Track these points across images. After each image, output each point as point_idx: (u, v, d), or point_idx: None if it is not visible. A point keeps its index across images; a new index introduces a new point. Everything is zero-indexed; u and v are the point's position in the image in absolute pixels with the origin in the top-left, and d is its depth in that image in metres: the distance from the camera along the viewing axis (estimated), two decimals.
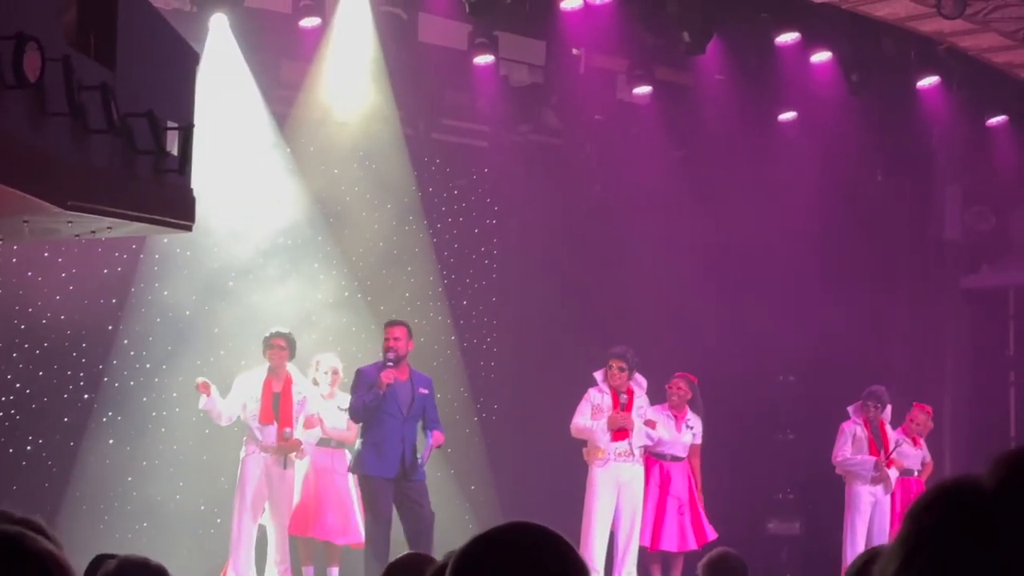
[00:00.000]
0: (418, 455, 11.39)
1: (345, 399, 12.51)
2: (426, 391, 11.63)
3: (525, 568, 2.20)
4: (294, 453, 12.02)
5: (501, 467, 11.99)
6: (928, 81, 14.99)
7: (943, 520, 1.09)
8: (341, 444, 12.58)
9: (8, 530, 2.30)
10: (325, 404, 12.48)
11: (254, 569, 12.01)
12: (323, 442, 12.47)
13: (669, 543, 13.03)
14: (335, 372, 12.63)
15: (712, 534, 13.10)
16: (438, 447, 11.57)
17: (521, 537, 2.26)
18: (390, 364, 11.45)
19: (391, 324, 11.80)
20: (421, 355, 14.53)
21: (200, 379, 11.90)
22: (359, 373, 11.59)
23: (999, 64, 14.89)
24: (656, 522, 13.05)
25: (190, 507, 13.16)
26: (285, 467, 11.97)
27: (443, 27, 14.24)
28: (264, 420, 12.00)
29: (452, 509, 13.22)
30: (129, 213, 7.63)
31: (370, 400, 11.32)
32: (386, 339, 11.61)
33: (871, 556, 3.17)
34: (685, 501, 13.16)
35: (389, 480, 11.31)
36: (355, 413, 11.58)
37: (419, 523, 11.24)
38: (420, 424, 11.62)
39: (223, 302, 13.37)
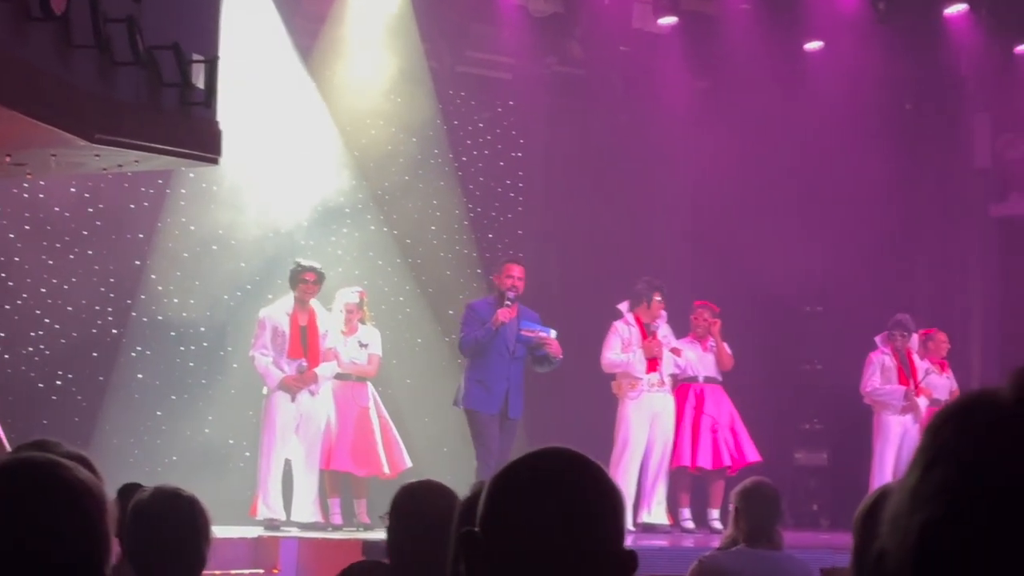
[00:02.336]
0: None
1: (368, 333, 12.52)
2: (546, 332, 11.62)
3: (561, 491, 2.20)
4: (312, 386, 12.03)
5: (527, 400, 12.02)
6: (956, 8, 14.87)
7: (961, 432, 1.08)
8: (362, 378, 12.60)
9: (42, 458, 2.32)
10: (344, 340, 12.48)
11: (282, 501, 12.07)
12: (344, 376, 12.47)
13: (704, 460, 13.08)
14: (352, 309, 12.58)
15: (754, 455, 13.14)
16: (546, 343, 11.53)
17: (556, 462, 2.26)
18: (509, 303, 11.45)
19: (512, 262, 11.77)
20: (447, 288, 14.57)
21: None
22: (471, 308, 11.62)
23: None
24: (693, 441, 13.10)
25: (219, 441, 13.23)
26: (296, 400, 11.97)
27: None
28: (293, 354, 12.02)
29: None
30: (155, 146, 7.64)
31: (483, 336, 11.36)
32: (507, 276, 11.57)
33: (882, 493, 3.17)
34: (724, 422, 13.20)
35: (493, 416, 11.43)
36: (465, 347, 11.57)
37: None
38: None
39: (248, 237, 13.38)
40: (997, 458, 1.06)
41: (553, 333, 11.71)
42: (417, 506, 4.41)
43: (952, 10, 14.87)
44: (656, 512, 12.95)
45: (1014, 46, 15.41)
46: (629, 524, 12.43)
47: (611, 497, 2.24)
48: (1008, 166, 16.27)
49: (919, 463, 1.10)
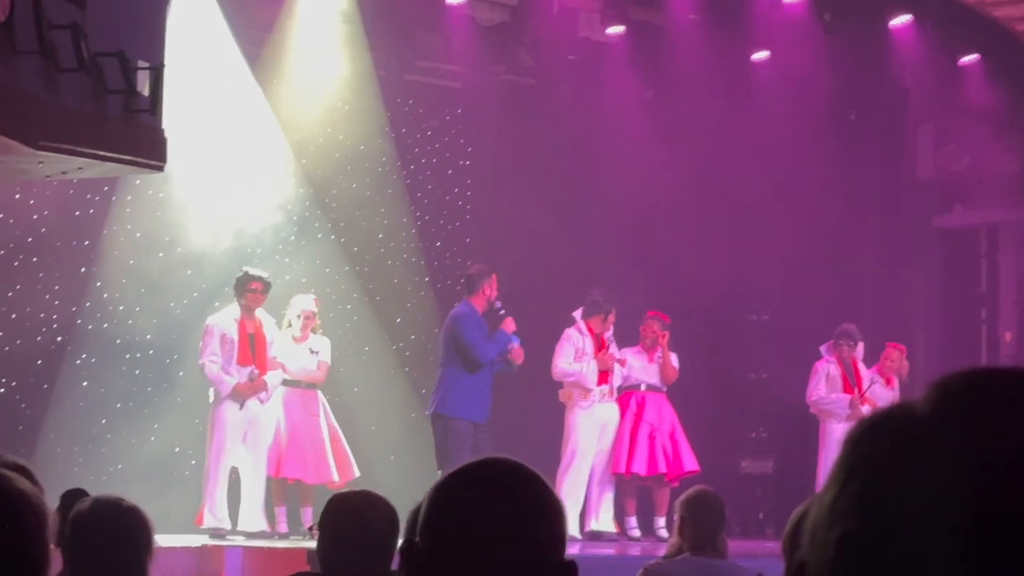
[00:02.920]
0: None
1: (318, 340, 12.50)
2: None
3: (500, 502, 2.21)
4: (262, 394, 12.01)
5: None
6: (901, 20, 14.97)
7: (877, 445, 1.10)
8: (312, 385, 12.58)
9: None
10: (295, 347, 12.44)
11: (227, 510, 12.03)
12: (294, 383, 12.45)
13: (639, 466, 13.09)
14: (309, 316, 12.57)
15: (692, 465, 13.17)
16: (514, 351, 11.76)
17: (496, 471, 2.27)
18: (504, 313, 11.75)
19: (493, 272, 11.99)
20: (395, 295, 14.56)
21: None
22: (471, 320, 11.68)
23: (971, 2, 14.88)
24: (630, 448, 13.13)
25: (165, 449, 13.16)
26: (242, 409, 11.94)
27: None
28: (243, 361, 11.99)
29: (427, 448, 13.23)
30: (100, 153, 7.60)
31: (502, 345, 11.60)
32: (494, 287, 11.81)
33: (807, 510, 3.19)
34: (664, 430, 13.23)
35: (472, 424, 11.60)
36: (486, 360, 11.64)
37: None
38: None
39: (195, 244, 13.32)
40: (912, 471, 1.07)
41: (519, 342, 11.86)
42: (346, 517, 4.37)
43: (897, 22, 14.97)
44: (603, 520, 12.98)
45: (958, 58, 15.53)
46: (576, 532, 12.46)
47: (550, 507, 2.24)
48: (951, 178, 16.40)
49: (836, 477, 1.11)
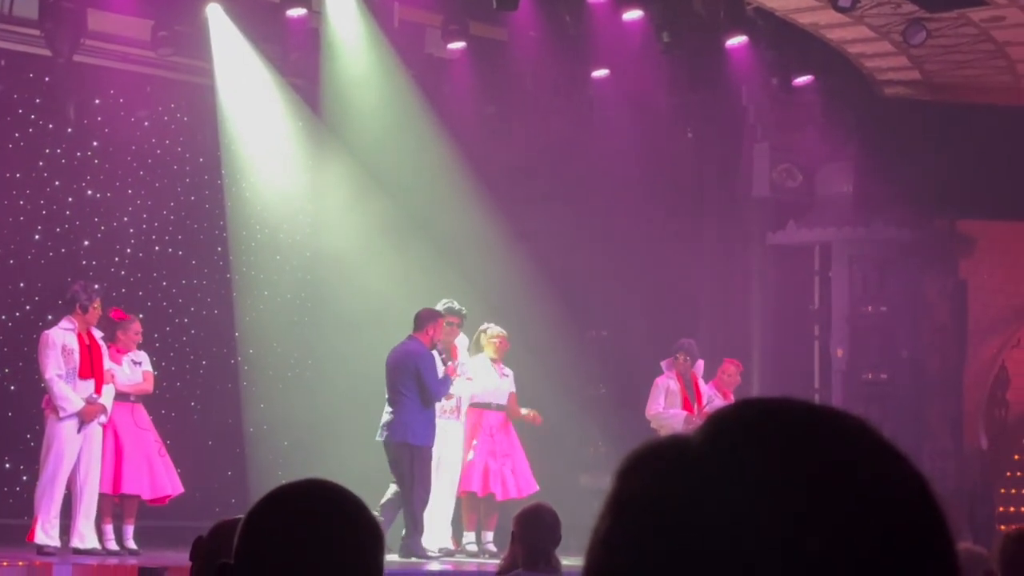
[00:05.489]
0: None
1: (138, 353, 12.32)
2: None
3: (315, 524, 2.20)
4: (102, 416, 11.83)
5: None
6: (737, 40, 15.19)
7: (650, 477, 1.11)
8: (139, 399, 12.39)
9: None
10: (120, 359, 12.27)
11: (59, 528, 11.81)
12: (123, 397, 12.23)
13: (495, 487, 13.13)
14: (136, 332, 12.43)
15: (532, 487, 13.22)
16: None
17: (310, 493, 2.26)
18: (446, 358, 12.61)
19: (446, 315, 12.69)
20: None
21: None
22: (429, 357, 12.45)
23: (805, 24, 15.16)
24: (485, 470, 13.16)
25: None
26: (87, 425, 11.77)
27: None
28: (84, 374, 11.76)
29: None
30: None
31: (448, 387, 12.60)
32: (439, 331, 12.60)
33: None
34: (502, 452, 13.25)
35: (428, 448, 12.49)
36: (441, 396, 12.58)
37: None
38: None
39: (36, 255, 13.12)
40: (687, 501, 1.09)
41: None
42: (217, 543, 4.28)
43: (733, 42, 15.19)
44: (440, 536, 12.99)
45: (793, 78, 15.81)
46: (434, 548, 12.52)
47: (366, 530, 2.23)
48: (786, 195, 16.69)
49: (609, 511, 1.12)
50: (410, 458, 12.31)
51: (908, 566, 1.08)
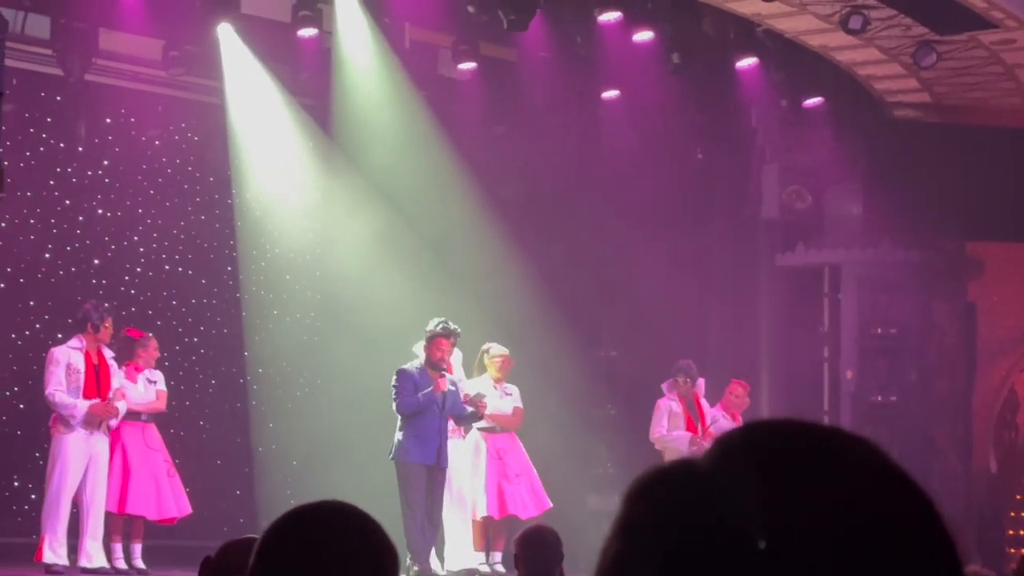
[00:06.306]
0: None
1: (156, 374, 12.35)
2: (453, 387, 12.34)
3: (329, 546, 2.20)
4: (112, 420, 11.85)
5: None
6: (747, 62, 15.21)
7: (660, 500, 1.12)
8: (151, 418, 12.39)
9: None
10: (134, 377, 12.28)
11: (67, 547, 11.81)
12: (134, 416, 12.23)
13: (515, 508, 13.09)
14: (155, 348, 12.47)
15: (545, 504, 13.18)
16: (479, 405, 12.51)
17: (326, 515, 2.26)
18: (443, 373, 12.23)
19: (446, 336, 12.35)
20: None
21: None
22: (403, 374, 12.22)
23: (815, 46, 15.19)
24: (499, 492, 13.12)
25: (2, 483, 12.91)
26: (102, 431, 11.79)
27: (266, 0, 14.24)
28: (88, 394, 11.78)
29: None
30: None
31: (423, 402, 12.10)
32: (439, 348, 12.26)
33: None
34: (515, 471, 13.20)
35: (425, 467, 12.08)
36: (407, 410, 12.17)
37: (438, 509, 12.27)
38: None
39: (46, 274, 13.14)
40: (695, 525, 1.10)
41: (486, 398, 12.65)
42: (225, 563, 4.30)
43: (743, 63, 15.22)
44: (464, 557, 12.97)
45: (801, 100, 15.82)
46: (456, 567, 12.59)
47: (381, 553, 2.23)
48: (795, 217, 16.68)
49: (618, 534, 1.13)
50: (398, 477, 12.19)
51: None
